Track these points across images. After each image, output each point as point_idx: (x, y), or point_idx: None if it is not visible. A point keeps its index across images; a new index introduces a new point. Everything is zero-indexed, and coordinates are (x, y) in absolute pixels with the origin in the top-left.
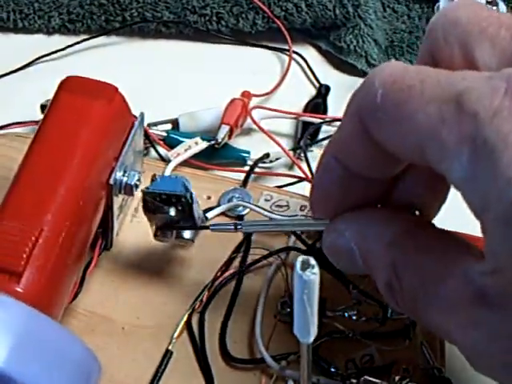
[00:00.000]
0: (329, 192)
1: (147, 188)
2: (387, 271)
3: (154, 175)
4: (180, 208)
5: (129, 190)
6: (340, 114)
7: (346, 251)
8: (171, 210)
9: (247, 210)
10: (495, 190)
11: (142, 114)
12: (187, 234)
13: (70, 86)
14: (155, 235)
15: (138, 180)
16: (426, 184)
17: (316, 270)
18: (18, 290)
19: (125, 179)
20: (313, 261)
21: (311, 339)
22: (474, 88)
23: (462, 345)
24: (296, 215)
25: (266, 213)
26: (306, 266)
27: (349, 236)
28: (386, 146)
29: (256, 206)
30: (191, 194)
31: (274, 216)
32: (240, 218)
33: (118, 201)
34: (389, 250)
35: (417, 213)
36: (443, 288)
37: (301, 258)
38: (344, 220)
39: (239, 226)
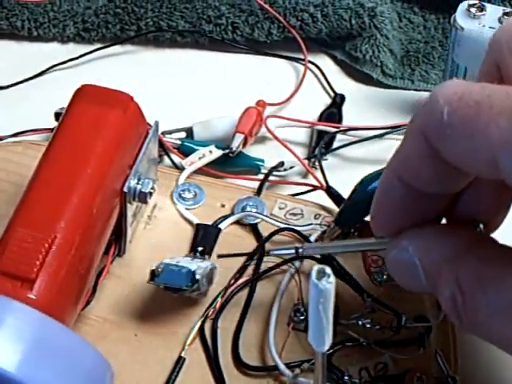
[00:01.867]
0: (391, 211)
1: (151, 280)
2: (451, 285)
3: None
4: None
5: (143, 197)
6: (355, 124)
7: (409, 266)
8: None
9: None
10: None
11: (156, 123)
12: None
13: (85, 95)
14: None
15: (152, 188)
16: (490, 196)
17: (332, 279)
18: (31, 296)
19: (139, 187)
20: (328, 270)
21: (326, 348)
22: None
23: None
24: (310, 224)
25: (277, 223)
26: (321, 275)
27: (412, 251)
28: (455, 162)
29: (267, 216)
30: (197, 281)
31: (286, 225)
32: (253, 226)
33: (131, 208)
34: (453, 264)
35: (481, 226)
36: (505, 298)
37: (316, 267)
38: (407, 236)
39: (300, 250)
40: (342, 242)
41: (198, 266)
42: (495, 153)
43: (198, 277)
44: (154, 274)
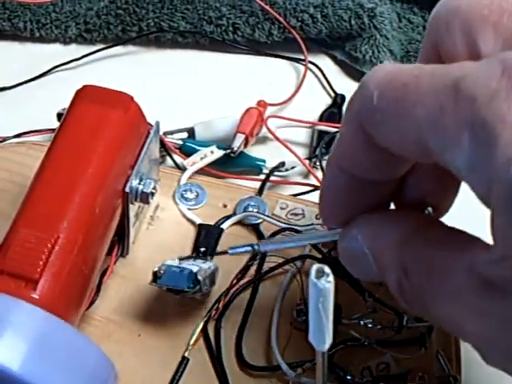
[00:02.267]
0: (337, 201)
1: (153, 282)
2: (397, 270)
3: (155, 272)
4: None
5: (144, 197)
6: None
7: (360, 255)
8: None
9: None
10: (496, 171)
11: (157, 123)
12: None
13: (86, 95)
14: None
15: (154, 188)
16: (434, 179)
17: (331, 278)
18: (35, 296)
19: (140, 187)
20: (327, 269)
21: (326, 347)
22: (471, 73)
23: (473, 336)
24: (311, 224)
25: (279, 223)
26: (320, 274)
27: (361, 240)
28: (388, 147)
29: (269, 216)
30: (199, 282)
31: (288, 226)
32: (255, 226)
33: (133, 208)
34: (399, 249)
35: (430, 209)
36: (450, 280)
37: (315, 266)
38: (356, 225)
39: (256, 247)
40: (297, 237)
41: (200, 267)
42: (423, 134)
43: (199, 278)
44: (156, 276)
